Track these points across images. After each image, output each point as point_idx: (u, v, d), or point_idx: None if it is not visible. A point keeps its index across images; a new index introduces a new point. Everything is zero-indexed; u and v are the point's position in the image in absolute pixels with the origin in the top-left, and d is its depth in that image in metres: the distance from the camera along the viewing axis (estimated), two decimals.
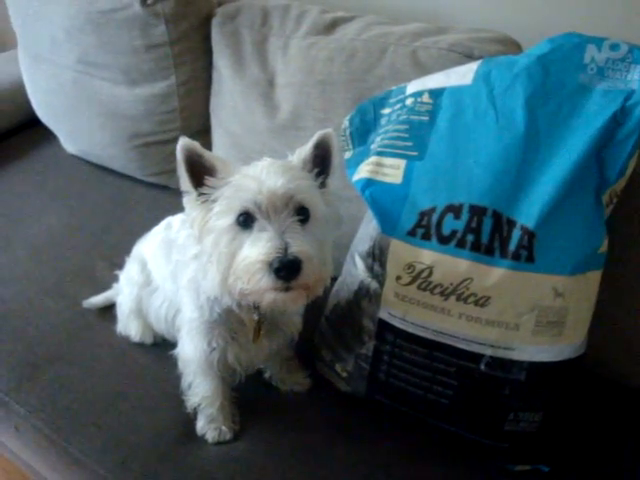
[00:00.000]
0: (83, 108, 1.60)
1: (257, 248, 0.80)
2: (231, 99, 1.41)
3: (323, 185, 0.92)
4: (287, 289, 0.80)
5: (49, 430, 1.06)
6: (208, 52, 1.44)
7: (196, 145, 0.87)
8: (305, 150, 0.91)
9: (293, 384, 1.13)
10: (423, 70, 1.11)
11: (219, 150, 1.48)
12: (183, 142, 0.87)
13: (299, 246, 0.79)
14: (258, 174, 0.84)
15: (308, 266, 0.80)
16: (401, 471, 0.99)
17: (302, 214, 0.84)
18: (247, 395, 1.09)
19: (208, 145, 1.53)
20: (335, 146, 0.90)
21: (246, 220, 0.82)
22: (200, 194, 0.88)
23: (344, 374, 1.07)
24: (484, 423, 0.96)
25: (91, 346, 1.18)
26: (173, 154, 1.56)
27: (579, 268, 0.88)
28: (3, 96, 1.81)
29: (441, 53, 1.12)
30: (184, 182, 0.89)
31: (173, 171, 1.57)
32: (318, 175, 0.91)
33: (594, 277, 0.92)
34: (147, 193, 1.59)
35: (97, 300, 1.26)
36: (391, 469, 0.99)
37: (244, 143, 1.39)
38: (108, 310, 1.24)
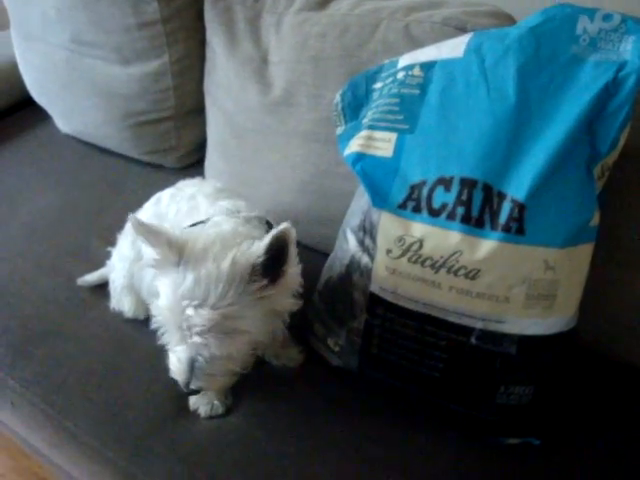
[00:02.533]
0: (76, 87, 1.59)
1: (172, 358, 0.88)
2: (225, 77, 1.40)
3: (276, 278, 0.85)
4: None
5: (44, 405, 1.07)
6: (201, 30, 1.43)
7: (143, 225, 0.83)
8: (255, 258, 0.81)
9: (286, 359, 1.13)
10: (416, 44, 1.10)
11: (213, 129, 1.48)
12: (131, 219, 0.83)
13: (200, 381, 0.87)
14: (174, 318, 0.82)
15: (212, 388, 0.93)
16: (392, 443, 0.99)
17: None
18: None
19: (202, 124, 1.53)
20: (293, 240, 0.83)
21: None
22: None
23: (336, 348, 1.07)
24: (475, 397, 0.96)
25: (85, 322, 1.19)
26: (167, 133, 1.59)
27: (570, 241, 0.88)
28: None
29: (434, 27, 1.11)
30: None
31: (167, 150, 1.60)
32: (269, 272, 0.83)
33: (585, 250, 0.92)
34: (141, 172, 1.58)
35: (91, 277, 1.26)
36: (382, 441, 1.00)
37: (238, 121, 1.39)
38: (102, 287, 1.24)
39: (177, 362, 0.87)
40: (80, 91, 1.59)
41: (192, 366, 0.85)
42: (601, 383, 1.10)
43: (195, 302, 0.80)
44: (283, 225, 0.80)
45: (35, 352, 1.14)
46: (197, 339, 0.80)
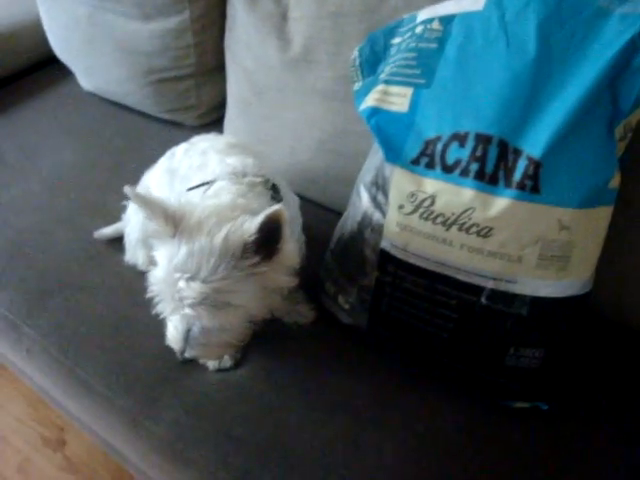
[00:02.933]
0: (99, 44, 1.59)
1: (169, 326, 0.91)
2: (245, 33, 1.38)
3: (272, 255, 0.84)
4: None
5: (57, 353, 1.09)
6: None
7: (141, 196, 0.83)
8: (247, 235, 0.80)
9: (297, 316, 1.13)
10: (440, 1, 1.07)
11: (233, 86, 1.46)
12: (127, 191, 0.82)
13: (194, 350, 0.90)
14: (167, 289, 0.82)
15: (206, 357, 0.97)
16: (399, 404, 1.00)
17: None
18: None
19: (222, 83, 1.52)
20: (285, 221, 0.80)
21: None
22: None
23: (346, 306, 1.07)
24: (484, 357, 0.95)
25: (100, 274, 1.21)
26: (188, 91, 1.59)
27: (588, 202, 0.85)
28: (22, 34, 1.81)
29: None
30: None
31: (187, 108, 1.60)
32: (264, 249, 0.83)
33: (604, 213, 0.89)
34: (161, 129, 1.59)
35: (107, 231, 1.28)
36: (389, 401, 1.00)
37: (257, 78, 1.37)
38: (117, 241, 1.25)
39: (174, 331, 0.89)
40: (102, 47, 1.59)
41: (187, 335, 0.87)
42: (615, 351, 1.09)
43: (187, 275, 0.80)
44: (276, 206, 0.79)
45: (50, 302, 1.16)
46: (188, 311, 0.81)
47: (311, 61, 1.26)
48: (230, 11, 1.42)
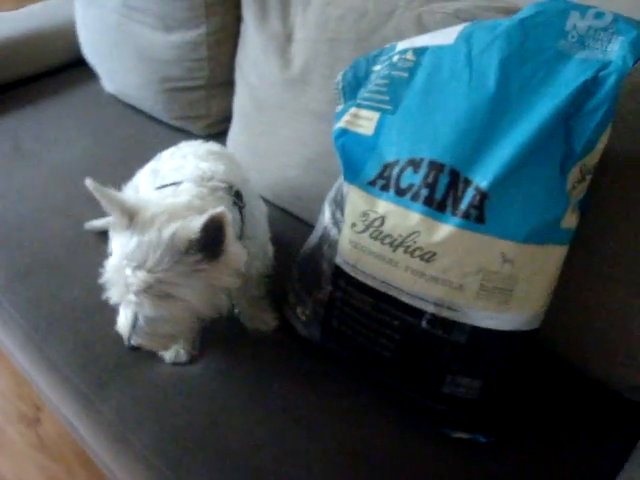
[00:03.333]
0: (122, 49, 1.69)
1: (120, 317, 0.95)
2: (253, 51, 1.45)
3: (218, 255, 0.87)
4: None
5: (29, 328, 1.15)
6: (238, 5, 1.48)
7: (100, 188, 0.87)
8: (192, 234, 0.84)
9: (260, 323, 1.17)
10: (426, 33, 1.11)
11: (238, 100, 1.53)
12: (88, 184, 0.87)
13: (140, 338, 0.93)
14: (114, 278, 0.87)
15: (152, 347, 0.96)
16: (339, 417, 1.02)
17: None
18: (211, 326, 1.13)
19: (231, 95, 1.58)
20: (229, 225, 0.84)
21: None
22: None
23: (303, 317, 1.10)
24: (423, 382, 0.97)
25: (83, 262, 1.27)
26: (198, 101, 1.66)
27: (534, 238, 0.86)
28: (57, 35, 1.93)
29: (445, 18, 1.11)
30: None
31: (196, 117, 1.67)
32: (210, 250, 0.86)
33: (554, 252, 0.90)
34: (169, 135, 1.66)
35: (98, 223, 1.34)
36: (329, 413, 1.02)
37: (259, 95, 1.43)
38: (106, 233, 1.30)
39: (123, 318, 0.93)
40: (125, 53, 1.68)
41: (134, 323, 0.92)
42: (564, 394, 1.08)
43: (134, 263, 0.84)
44: (219, 208, 0.83)
45: (32, 281, 1.23)
46: (132, 297, 0.85)
47: (307, 82, 1.32)
48: (243, 29, 1.49)
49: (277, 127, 1.40)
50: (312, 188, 1.34)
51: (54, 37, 1.92)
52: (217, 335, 1.14)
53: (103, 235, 1.32)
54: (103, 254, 1.25)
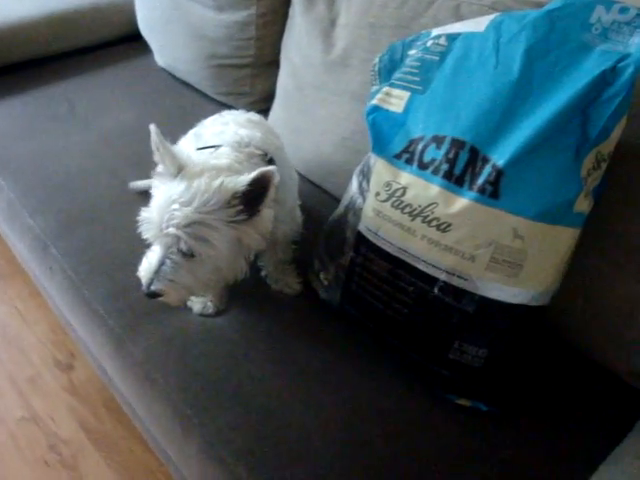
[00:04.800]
0: (174, 26, 1.78)
1: (143, 262, 1.00)
2: (298, 33, 1.53)
3: (252, 215, 0.96)
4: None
5: (72, 273, 1.25)
6: None
7: (160, 137, 0.97)
8: (240, 185, 0.93)
9: (284, 285, 1.24)
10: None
11: (282, 80, 1.61)
12: (152, 129, 0.97)
13: (162, 284, 0.96)
14: (159, 212, 0.93)
15: (169, 296, 0.98)
16: (350, 374, 1.08)
17: (190, 253, 0.94)
18: (239, 285, 1.18)
19: (275, 75, 1.66)
20: (274, 184, 0.93)
21: None
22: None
23: (325, 282, 1.17)
24: (431, 347, 1.03)
25: (125, 218, 1.32)
26: (243, 79, 1.75)
27: (545, 217, 0.92)
28: (116, 9, 2.05)
29: (482, 9, 1.17)
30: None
31: (241, 94, 1.76)
32: (247, 208, 0.94)
33: (565, 233, 0.95)
34: (214, 109, 1.70)
35: (141, 183, 1.44)
36: (342, 370, 1.09)
37: (300, 74, 1.51)
38: (148, 194, 1.40)
39: (146, 262, 0.99)
40: (177, 29, 1.78)
41: (159, 268, 0.96)
42: (572, 379, 1.13)
43: (182, 200, 0.92)
44: (271, 167, 0.91)
45: (77, 231, 1.33)
46: (172, 230, 0.92)
47: (347, 65, 1.39)
48: (291, 12, 1.57)
49: (315, 106, 1.48)
50: (344, 165, 1.40)
51: (111, 11, 2.03)
52: (244, 294, 1.21)
53: (144, 195, 1.41)
54: None
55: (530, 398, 1.07)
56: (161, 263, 0.96)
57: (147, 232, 0.97)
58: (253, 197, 0.94)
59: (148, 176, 1.43)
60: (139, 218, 0.98)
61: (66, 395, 1.61)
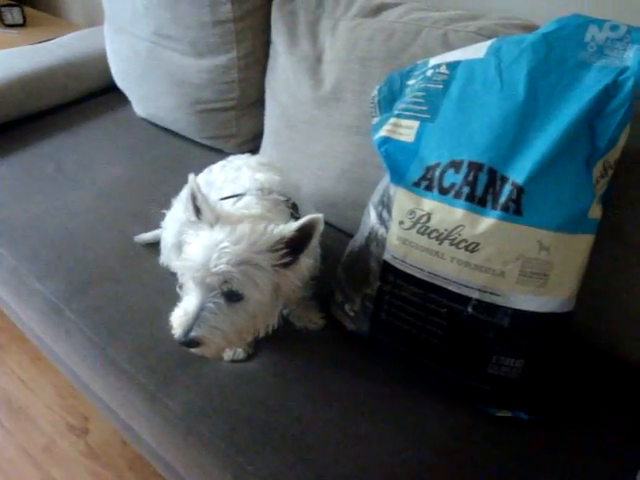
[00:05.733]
0: (154, 75, 1.79)
1: (178, 310, 0.97)
2: (283, 73, 1.56)
3: (292, 262, 0.97)
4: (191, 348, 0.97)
5: (92, 334, 1.23)
6: (267, 30, 1.60)
7: (197, 186, 0.97)
8: (287, 231, 0.95)
9: (308, 322, 1.25)
10: (451, 49, 1.21)
11: (269, 119, 1.64)
12: (191, 179, 0.97)
13: (202, 330, 0.94)
14: (205, 252, 0.92)
15: (209, 344, 0.95)
16: (391, 402, 1.10)
17: (234, 296, 0.94)
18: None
19: (261, 116, 1.69)
20: (319, 231, 0.95)
21: None
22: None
23: (351, 313, 1.19)
24: (469, 364, 1.06)
25: (136, 271, 1.36)
26: (229, 121, 1.77)
27: (566, 227, 0.96)
28: (89, 63, 2.04)
29: (468, 35, 1.23)
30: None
31: (227, 136, 1.77)
32: (289, 253, 0.96)
33: (584, 240, 1.00)
34: (202, 154, 1.77)
35: (146, 236, 1.44)
36: (382, 399, 1.10)
37: (291, 113, 1.54)
38: (154, 246, 1.41)
39: (181, 309, 0.97)
40: (157, 79, 1.79)
41: (199, 314, 0.94)
42: (603, 379, 1.17)
43: (231, 239, 0.93)
44: (319, 214, 0.93)
45: (91, 291, 1.31)
46: (223, 267, 0.90)
47: (339, 99, 1.43)
48: (272, 52, 1.61)
49: (310, 142, 1.51)
50: (346, 196, 1.44)
51: (84, 66, 2.03)
52: (270, 335, 1.21)
53: (152, 247, 1.42)
54: (154, 264, 1.37)
55: (568, 402, 1.11)
56: (201, 309, 0.94)
57: (190, 274, 0.95)
58: (296, 243, 0.95)
59: (151, 228, 1.44)
60: (175, 265, 0.98)
61: (86, 460, 1.56)
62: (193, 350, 0.98)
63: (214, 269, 0.91)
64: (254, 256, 0.93)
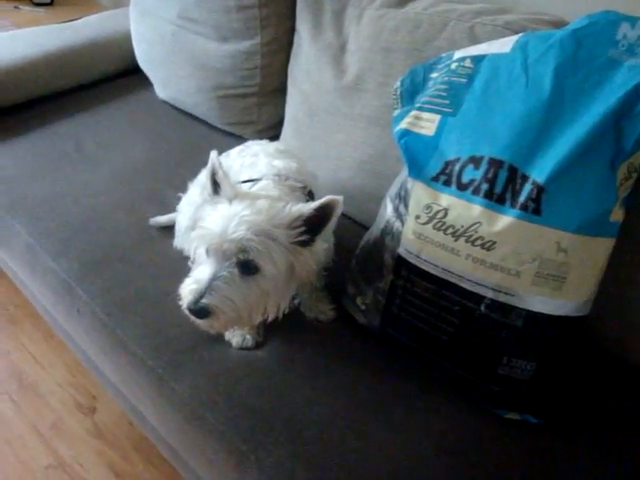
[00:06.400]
0: (177, 58, 1.79)
1: (188, 280, 0.96)
2: (306, 61, 1.54)
3: (308, 242, 0.96)
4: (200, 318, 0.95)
5: (103, 314, 1.23)
6: (291, 17, 1.59)
7: (219, 163, 0.98)
8: (306, 209, 0.94)
9: (319, 313, 1.24)
10: (477, 43, 1.19)
11: (290, 107, 1.63)
12: (213, 155, 0.98)
13: (214, 298, 0.91)
14: (224, 222, 0.92)
15: (218, 315, 0.92)
16: (399, 397, 1.09)
17: (249, 267, 0.93)
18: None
19: (282, 104, 1.68)
20: (338, 213, 0.94)
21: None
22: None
23: (363, 307, 1.18)
24: (480, 363, 1.04)
25: (150, 254, 1.35)
26: (250, 107, 1.76)
27: (587, 229, 0.94)
28: (113, 44, 2.05)
29: (496, 29, 1.21)
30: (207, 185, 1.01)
31: (247, 123, 1.77)
32: (306, 232, 0.95)
33: (604, 243, 0.97)
34: (222, 139, 1.76)
35: (161, 219, 1.43)
36: (389, 393, 1.09)
37: (312, 101, 1.53)
38: (169, 229, 1.40)
39: (191, 278, 0.96)
40: (179, 62, 1.79)
41: (211, 282, 0.92)
42: (615, 385, 1.15)
43: (251, 210, 0.92)
44: (338, 196, 0.91)
45: (103, 271, 1.31)
46: (242, 234, 0.89)
47: (361, 89, 1.41)
48: (296, 40, 1.59)
49: (330, 132, 1.49)
50: (364, 188, 1.42)
51: (108, 46, 2.04)
52: (279, 324, 1.20)
53: (167, 230, 1.41)
54: (168, 247, 1.37)
55: (578, 406, 1.09)
56: (214, 278, 0.92)
57: (206, 243, 0.94)
58: (313, 223, 0.94)
59: (167, 211, 1.44)
60: (192, 235, 0.97)
61: (92, 439, 1.57)
62: (200, 322, 0.97)
63: (232, 235, 0.90)
64: (273, 229, 0.92)
